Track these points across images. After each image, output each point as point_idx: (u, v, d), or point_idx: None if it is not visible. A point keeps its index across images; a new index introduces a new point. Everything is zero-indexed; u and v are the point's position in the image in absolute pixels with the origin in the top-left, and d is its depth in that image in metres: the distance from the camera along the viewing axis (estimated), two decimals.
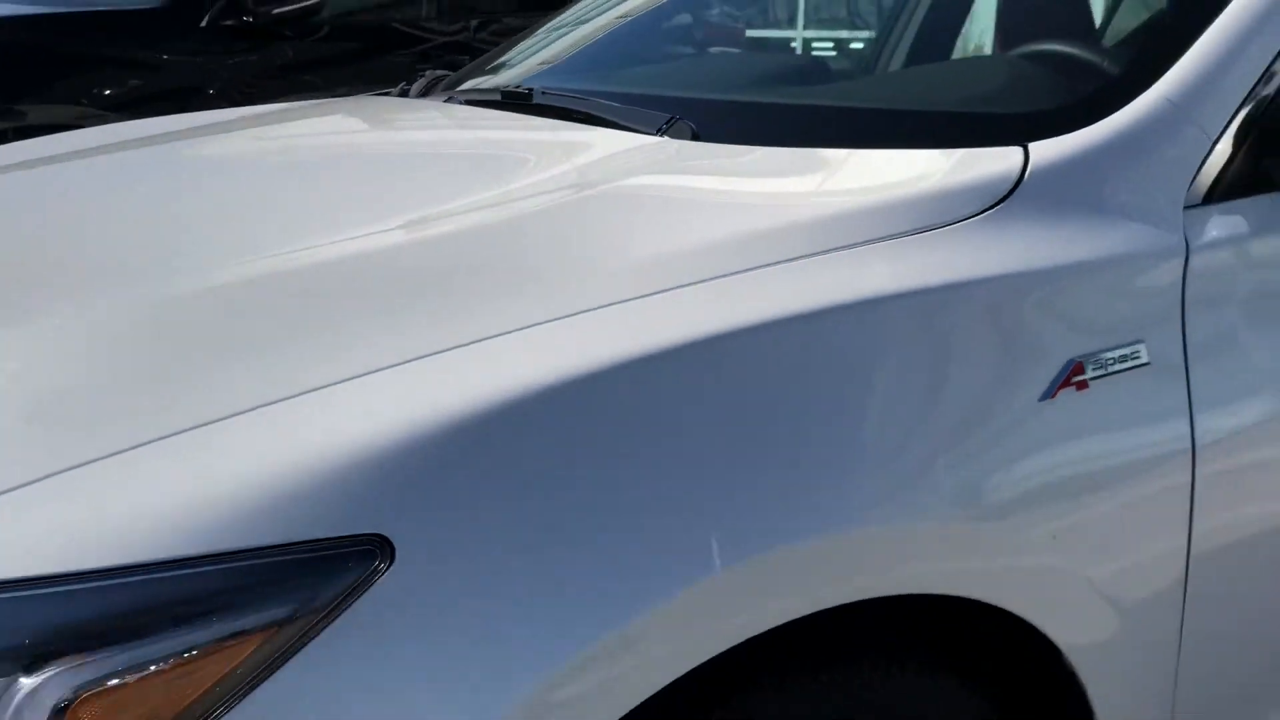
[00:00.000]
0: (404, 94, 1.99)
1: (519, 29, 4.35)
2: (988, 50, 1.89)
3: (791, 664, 0.93)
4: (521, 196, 1.19)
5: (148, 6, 3.79)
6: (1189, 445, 1.09)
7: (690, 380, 0.89)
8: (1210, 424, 1.10)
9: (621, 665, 0.80)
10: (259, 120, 1.91)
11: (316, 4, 3.88)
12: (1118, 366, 1.05)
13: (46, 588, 0.69)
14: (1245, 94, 1.19)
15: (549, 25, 2.19)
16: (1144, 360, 1.07)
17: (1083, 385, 1.03)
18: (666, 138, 1.27)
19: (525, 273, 1.00)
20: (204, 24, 3.77)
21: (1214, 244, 1.15)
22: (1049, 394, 1.02)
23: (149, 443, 0.77)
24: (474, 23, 4.48)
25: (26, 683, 0.68)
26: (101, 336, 0.96)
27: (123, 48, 3.65)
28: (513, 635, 0.77)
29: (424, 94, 1.98)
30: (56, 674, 0.68)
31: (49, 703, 0.68)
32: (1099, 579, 1.05)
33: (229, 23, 3.80)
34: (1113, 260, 1.09)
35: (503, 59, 2.09)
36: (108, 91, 3.57)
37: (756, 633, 0.86)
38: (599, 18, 2.08)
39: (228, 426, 0.78)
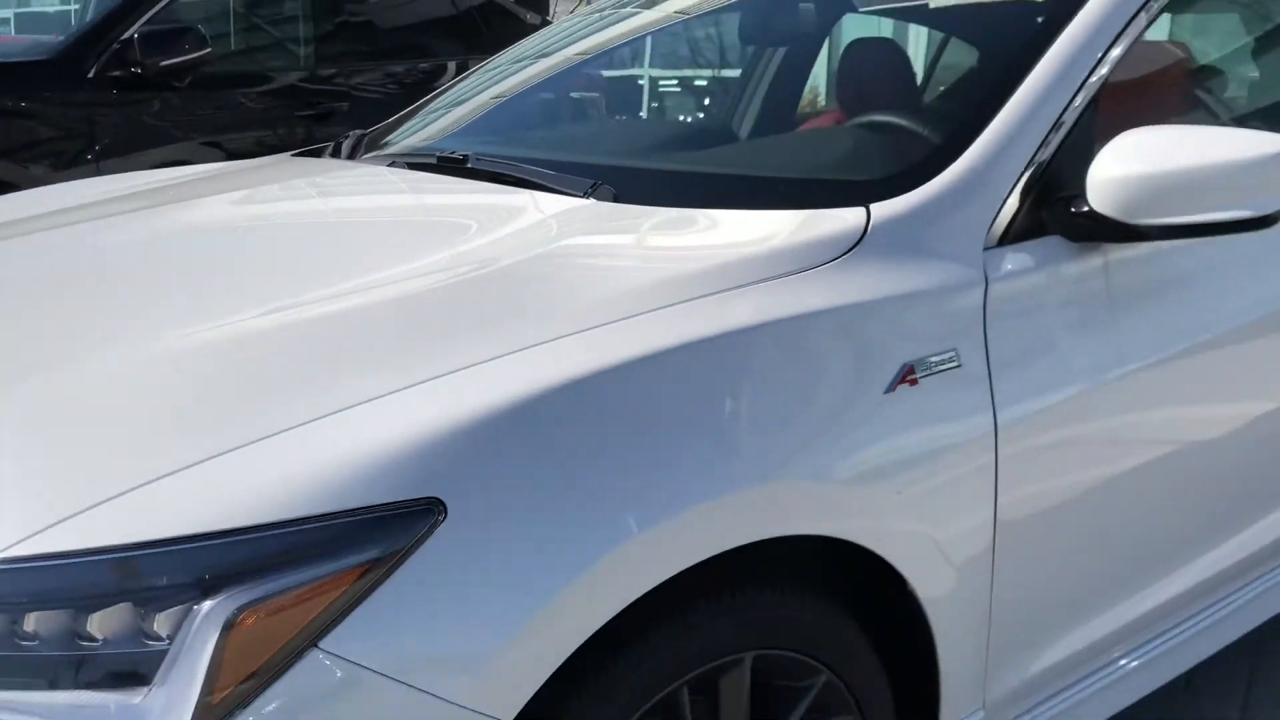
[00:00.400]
0: (335, 153, 2.27)
1: (381, 80, 4.64)
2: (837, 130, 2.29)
3: (723, 586, 1.28)
4: (490, 254, 1.50)
5: (36, 58, 3.93)
6: (992, 430, 1.47)
7: (633, 387, 1.22)
8: (1008, 414, 1.49)
9: (609, 578, 1.13)
10: (218, 183, 2.15)
11: (203, 56, 4.07)
12: (939, 368, 1.43)
13: (218, 539, 0.98)
14: (1025, 163, 1.60)
15: (456, 89, 2.50)
16: (957, 363, 1.45)
17: (914, 381, 1.41)
18: (593, 200, 1.61)
19: (509, 313, 1.31)
20: (91, 75, 3.93)
21: (1006, 276, 1.54)
22: (890, 388, 1.39)
23: (277, 433, 1.07)
24: (343, 78, 4.74)
25: (206, 605, 0.97)
26: (231, 356, 1.26)
27: (11, 97, 3.78)
28: (524, 557, 1.09)
29: (352, 154, 2.26)
30: (225, 598, 0.97)
31: (221, 618, 0.97)
32: (935, 531, 1.42)
33: (117, 73, 3.97)
34: (933, 290, 1.47)
35: (419, 119, 2.39)
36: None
37: (696, 561, 1.20)
38: (504, 81, 2.40)
39: (329, 422, 1.09)
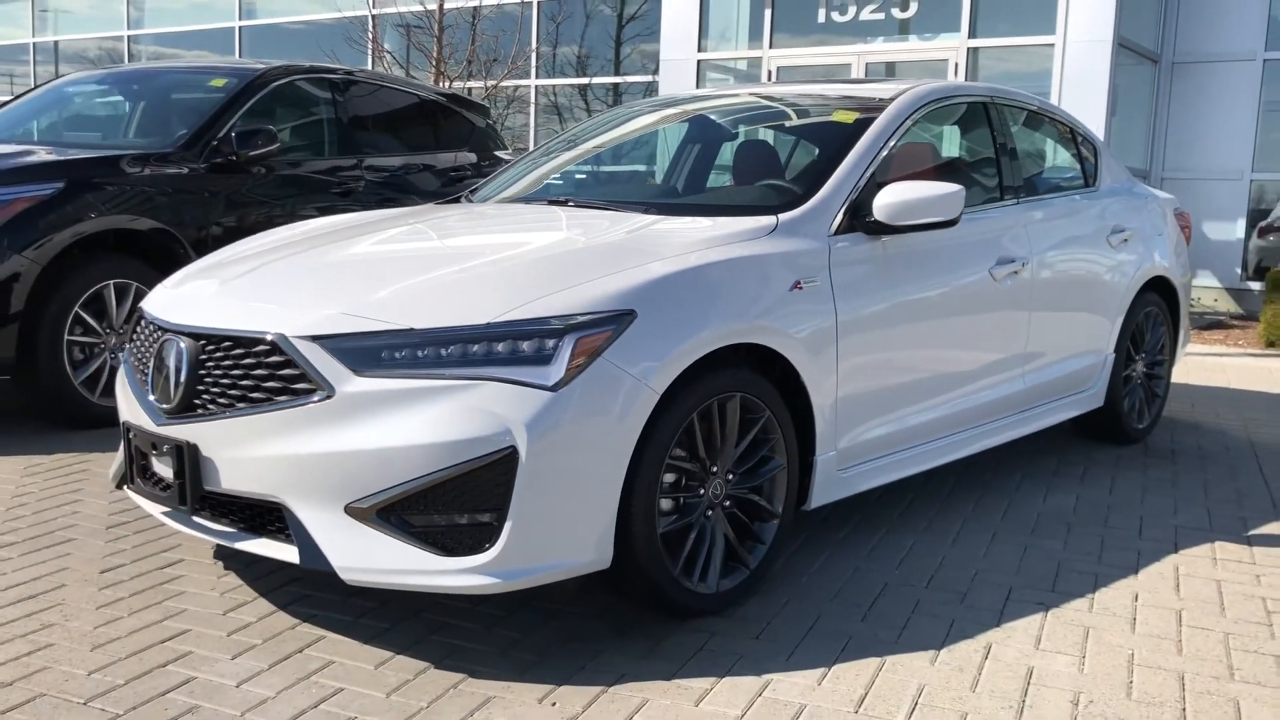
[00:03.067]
0: (469, 200, 4.03)
1: (379, 168, 6.38)
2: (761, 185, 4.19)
3: (724, 364, 3.07)
4: (612, 233, 3.30)
5: (162, 150, 5.52)
6: (833, 310, 3.33)
7: (696, 275, 3.01)
8: (841, 305, 3.35)
9: (693, 346, 2.90)
10: (412, 216, 3.89)
11: (274, 149, 5.74)
12: (810, 283, 3.29)
13: (569, 316, 2.74)
14: (845, 198, 3.52)
15: (519, 166, 4.31)
16: (817, 284, 3.31)
17: (800, 287, 3.25)
18: (649, 215, 3.45)
19: (636, 252, 3.10)
20: (201, 161, 5.55)
21: (837, 248, 3.42)
22: (791, 289, 3.23)
23: (580, 284, 2.82)
24: (356, 167, 6.46)
25: (568, 336, 2.70)
26: (528, 265, 3.01)
27: (146, 176, 5.35)
28: (665, 334, 2.86)
29: (470, 199, 4.03)
30: (572, 335, 2.70)
31: (573, 340, 2.69)
32: (809, 350, 3.24)
33: (218, 160, 5.60)
34: (806, 250, 3.33)
35: (509, 181, 4.18)
36: (144, 204, 5.25)
37: (719, 347, 2.98)
38: (569, 152, 4.24)
39: (594, 283, 2.86)
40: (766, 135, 4.19)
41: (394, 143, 6.85)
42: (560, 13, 14.94)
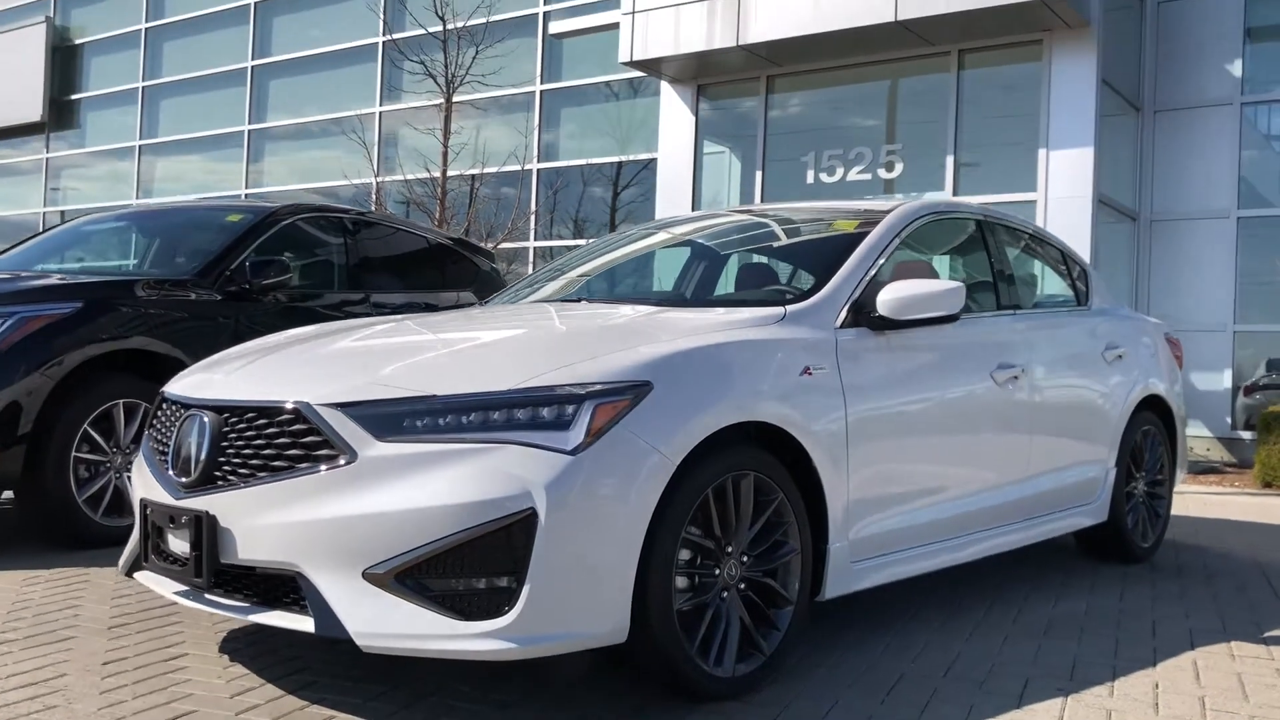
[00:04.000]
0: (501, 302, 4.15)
1: (385, 301, 6.52)
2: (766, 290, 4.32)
3: (737, 442, 3.12)
4: (625, 321, 3.39)
5: (180, 277, 5.66)
6: (843, 401, 3.40)
7: (707, 354, 3.08)
8: (851, 402, 3.42)
9: (705, 420, 2.95)
10: (436, 315, 3.99)
11: (286, 279, 5.88)
12: (820, 370, 3.36)
13: (587, 384, 2.79)
14: (853, 290, 3.63)
15: (543, 274, 4.44)
16: (826, 370, 3.39)
17: (810, 373, 3.33)
18: (659, 307, 3.56)
19: (648, 333, 3.19)
20: (216, 288, 5.69)
21: (844, 340, 3.52)
22: (801, 374, 3.31)
23: (601, 355, 2.90)
24: (364, 301, 6.61)
25: (587, 403, 2.75)
26: (552, 340, 3.09)
27: (174, 299, 5.46)
28: (679, 407, 2.91)
29: (502, 300, 4.14)
30: (591, 402, 2.75)
31: (591, 407, 2.75)
32: (822, 436, 3.29)
33: (233, 289, 5.74)
34: (814, 339, 3.42)
35: (532, 286, 4.31)
36: (158, 327, 5.34)
37: (732, 423, 3.03)
38: (582, 265, 4.37)
39: (615, 355, 2.93)
40: (771, 244, 4.35)
41: (399, 281, 7.02)
42: (558, 181, 15.50)
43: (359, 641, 2.66)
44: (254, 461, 2.87)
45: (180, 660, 3.29)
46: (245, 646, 3.43)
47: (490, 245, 13.53)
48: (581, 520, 2.68)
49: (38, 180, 22.20)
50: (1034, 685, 3.24)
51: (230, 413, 2.97)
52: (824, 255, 3.96)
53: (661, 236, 4.81)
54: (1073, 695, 3.14)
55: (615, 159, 14.96)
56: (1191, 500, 7.93)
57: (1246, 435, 11.02)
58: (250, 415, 2.92)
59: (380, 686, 3.07)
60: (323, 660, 3.30)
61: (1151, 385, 5.22)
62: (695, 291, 4.48)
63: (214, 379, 3.22)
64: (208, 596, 2.97)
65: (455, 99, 13.89)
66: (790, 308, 3.50)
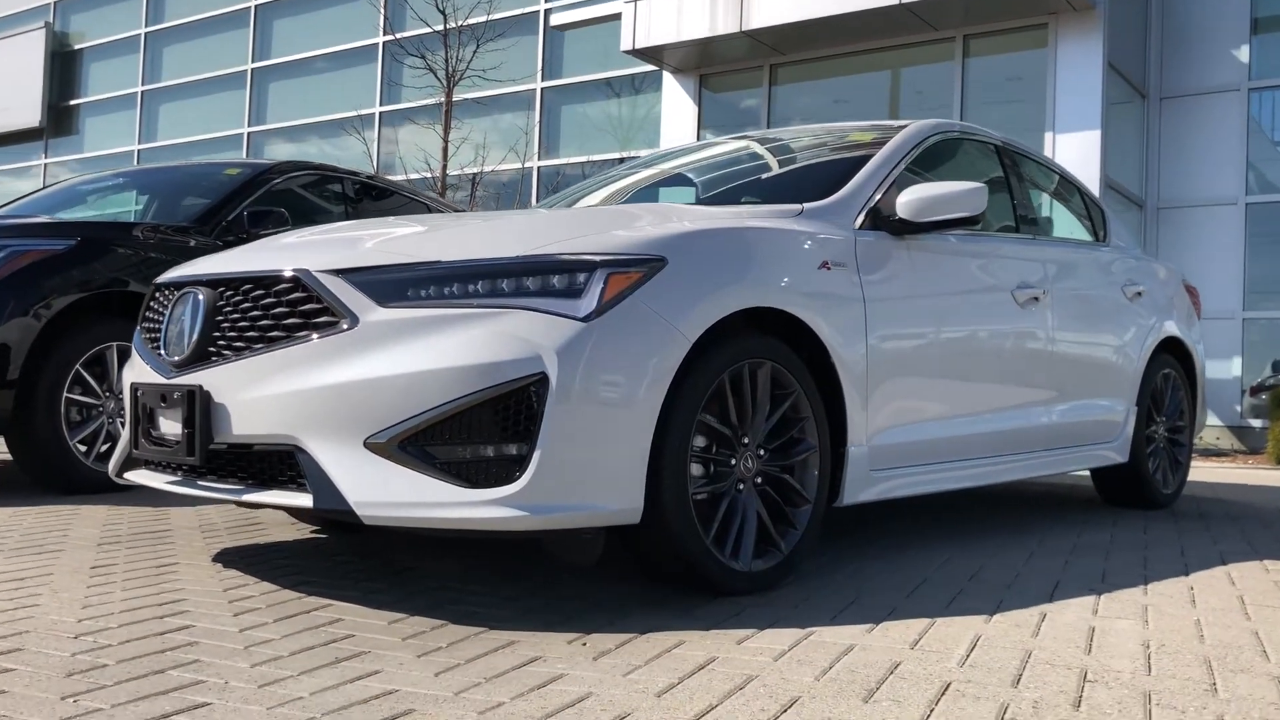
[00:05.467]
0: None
1: None
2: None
3: (752, 329, 2.99)
4: (621, 209, 3.28)
5: (179, 223, 5.54)
6: (862, 303, 3.27)
7: (731, 235, 2.96)
8: (870, 301, 3.29)
9: (721, 301, 2.82)
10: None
11: (285, 231, 5.76)
12: (839, 266, 3.24)
13: (604, 253, 2.67)
14: (871, 193, 3.51)
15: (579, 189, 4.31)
16: (845, 266, 3.27)
17: (829, 267, 3.21)
18: (668, 205, 3.44)
19: (652, 216, 3.07)
20: (214, 236, 5.57)
21: (862, 240, 3.40)
22: (819, 267, 3.18)
23: (615, 230, 2.77)
24: None
25: (599, 270, 2.62)
26: (570, 218, 2.96)
27: (172, 243, 5.35)
28: (694, 283, 2.78)
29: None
30: (604, 270, 2.63)
31: (604, 275, 2.62)
32: (837, 328, 3.15)
33: (230, 238, 5.62)
34: (833, 235, 3.30)
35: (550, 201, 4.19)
36: (160, 268, 5.18)
37: (745, 307, 2.90)
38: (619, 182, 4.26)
39: (633, 227, 2.80)
40: (789, 158, 4.24)
41: None
42: (557, 180, 15.42)
43: (360, 513, 2.52)
44: (250, 334, 2.74)
45: (171, 568, 3.14)
46: (239, 559, 3.29)
47: None
48: (594, 389, 2.55)
49: (36, 186, 22.12)
50: (1064, 587, 3.09)
51: (225, 286, 2.84)
52: (841, 162, 3.84)
53: (671, 163, 4.69)
54: (1105, 594, 3.00)
55: (617, 155, 14.88)
56: (1206, 472, 7.79)
57: (1256, 423, 10.88)
58: (246, 287, 2.79)
59: (379, 585, 2.93)
60: (320, 567, 3.16)
61: (1171, 327, 5.09)
62: (713, 198, 4.36)
63: (208, 262, 3.09)
64: (201, 482, 2.83)
65: (455, 96, 13.83)
66: (808, 205, 3.38)
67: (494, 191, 15.16)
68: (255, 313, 2.75)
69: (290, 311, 2.69)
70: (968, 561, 3.47)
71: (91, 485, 4.83)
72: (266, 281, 2.75)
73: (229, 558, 3.30)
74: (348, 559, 3.29)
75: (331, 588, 2.88)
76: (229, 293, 2.82)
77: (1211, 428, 11.09)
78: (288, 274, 2.71)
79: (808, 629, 2.52)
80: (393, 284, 2.63)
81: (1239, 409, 11.12)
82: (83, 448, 4.87)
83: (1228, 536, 4.21)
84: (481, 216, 3.46)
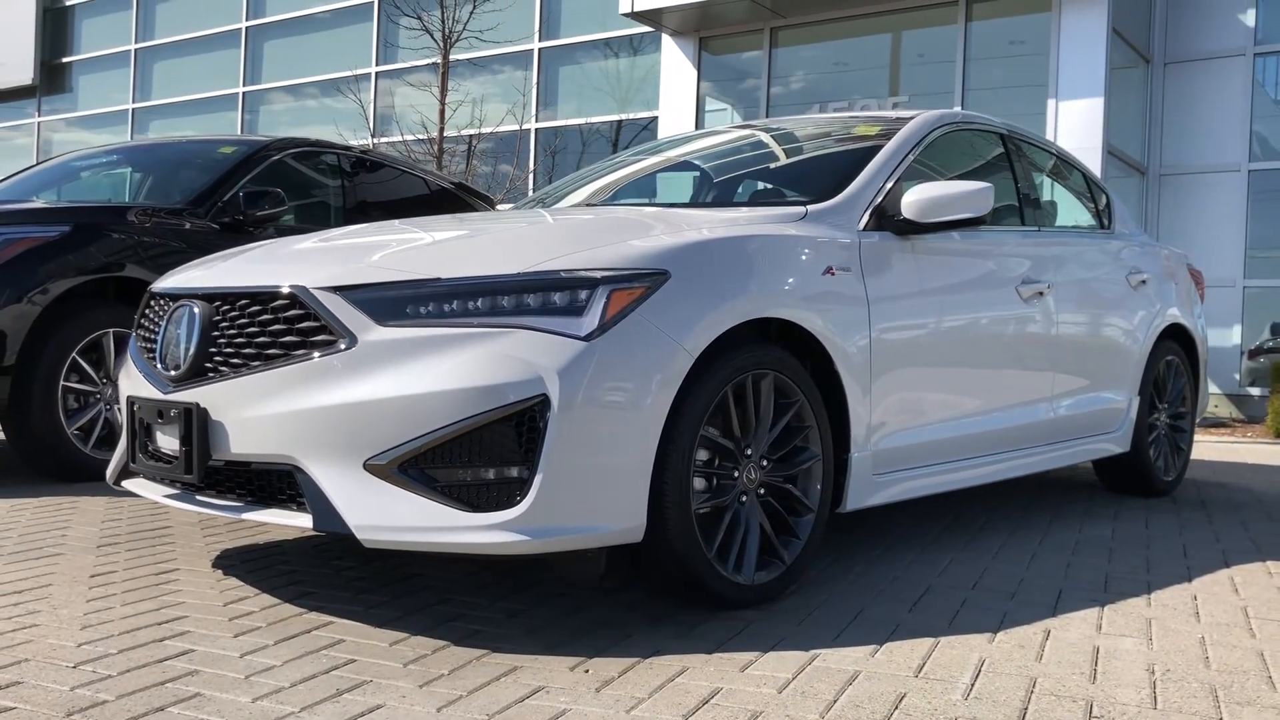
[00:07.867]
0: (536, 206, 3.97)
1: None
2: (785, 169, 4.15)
3: (757, 340, 2.95)
4: (622, 215, 3.22)
5: (173, 205, 5.47)
6: (866, 309, 3.23)
7: (734, 244, 2.91)
8: (874, 307, 3.25)
9: (723, 314, 2.78)
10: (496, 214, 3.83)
11: (281, 210, 5.69)
12: (844, 272, 3.20)
13: (606, 269, 2.62)
14: (875, 193, 3.46)
15: (567, 184, 4.26)
16: (849, 271, 3.22)
17: (833, 273, 3.16)
18: (669, 208, 3.38)
19: (654, 226, 3.02)
20: (209, 218, 5.50)
21: (867, 242, 3.35)
22: (823, 274, 3.14)
23: (621, 241, 2.73)
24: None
25: (600, 287, 2.58)
26: (573, 228, 2.90)
27: (167, 226, 5.28)
28: (696, 296, 2.74)
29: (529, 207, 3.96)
30: (606, 286, 2.58)
31: (606, 291, 2.57)
32: (841, 332, 3.12)
33: (226, 220, 5.55)
34: (836, 239, 3.25)
35: (529, 200, 4.12)
36: (152, 256, 5.15)
37: (750, 318, 2.86)
38: (594, 180, 4.19)
39: (634, 241, 2.76)
40: (792, 150, 4.18)
41: (396, 215, 6.83)
42: (557, 141, 15.28)
43: (360, 536, 2.50)
44: (246, 350, 2.71)
45: (171, 575, 3.13)
46: (239, 563, 3.27)
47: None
48: (595, 409, 2.52)
49: (29, 144, 21.93)
50: (1067, 596, 3.09)
51: (222, 300, 2.80)
52: (845, 158, 3.79)
53: (671, 153, 4.62)
54: (1109, 605, 2.99)
55: (615, 118, 14.73)
56: (1206, 448, 7.79)
57: (1255, 392, 10.88)
58: (243, 302, 2.75)
59: (380, 597, 2.92)
60: (320, 575, 3.15)
61: (1174, 314, 5.06)
62: (714, 197, 4.31)
63: (204, 272, 3.05)
64: (199, 497, 2.81)
65: (452, 57, 13.66)
66: (811, 207, 3.33)
67: (491, 152, 15.02)
68: (252, 329, 2.71)
69: (288, 329, 2.65)
70: (970, 564, 3.47)
71: (89, 472, 4.81)
72: (263, 297, 2.71)
73: (229, 561, 3.28)
74: (349, 564, 3.27)
75: (332, 600, 2.87)
76: (226, 308, 2.78)
77: (1210, 395, 11.08)
78: (285, 290, 2.67)
79: (811, 651, 2.51)
80: (391, 302, 2.59)
81: (1238, 377, 11.11)
82: (80, 434, 4.85)
83: (1230, 531, 4.20)
84: (483, 221, 3.41)
